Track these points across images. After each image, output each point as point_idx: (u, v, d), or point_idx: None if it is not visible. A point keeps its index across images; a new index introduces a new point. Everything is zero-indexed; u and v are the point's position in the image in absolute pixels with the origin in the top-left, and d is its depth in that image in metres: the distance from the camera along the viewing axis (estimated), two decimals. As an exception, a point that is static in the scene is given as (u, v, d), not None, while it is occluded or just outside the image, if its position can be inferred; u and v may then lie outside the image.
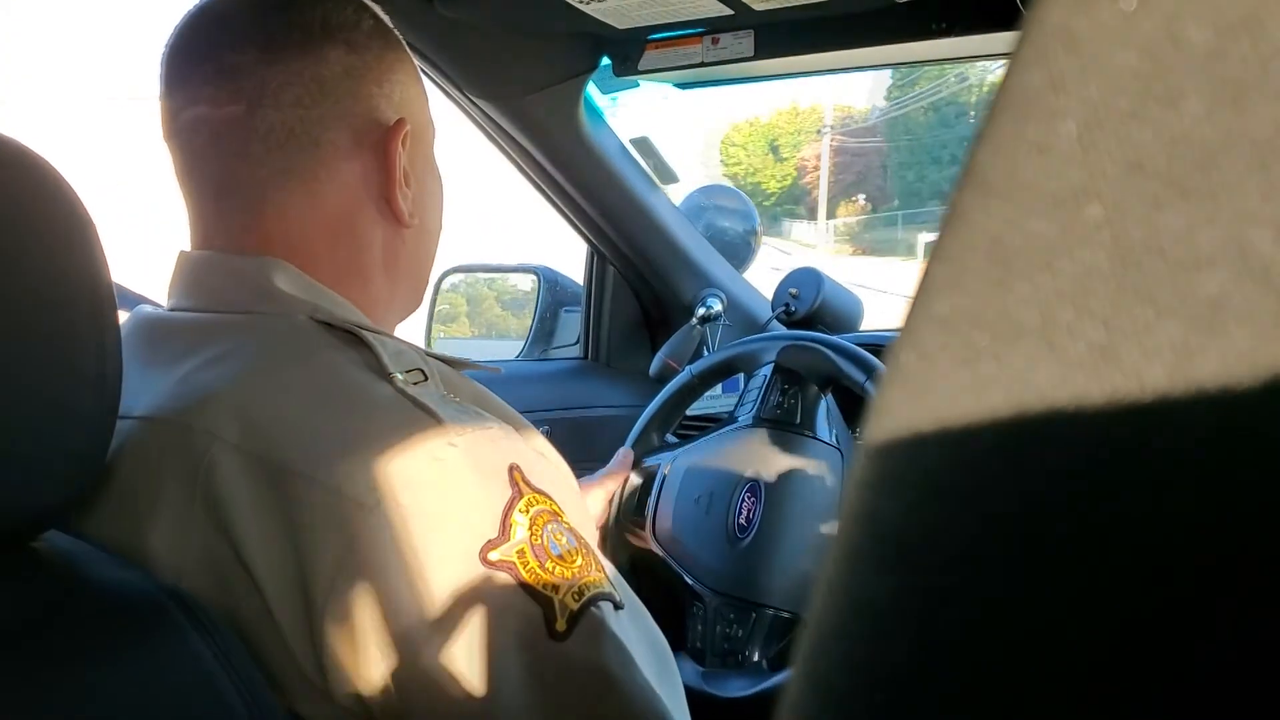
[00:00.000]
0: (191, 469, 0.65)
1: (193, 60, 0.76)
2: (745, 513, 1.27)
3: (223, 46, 0.75)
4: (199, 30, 0.76)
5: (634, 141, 1.72)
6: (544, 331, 2.05)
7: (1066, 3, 0.19)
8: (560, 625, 0.62)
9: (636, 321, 1.93)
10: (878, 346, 1.36)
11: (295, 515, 0.62)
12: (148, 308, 0.79)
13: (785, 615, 1.23)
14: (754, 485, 1.28)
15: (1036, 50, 0.19)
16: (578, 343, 1.99)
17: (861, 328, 1.72)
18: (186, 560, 0.64)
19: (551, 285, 2.05)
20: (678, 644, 1.28)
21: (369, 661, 0.61)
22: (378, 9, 0.82)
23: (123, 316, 0.65)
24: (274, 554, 0.62)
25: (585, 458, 1.33)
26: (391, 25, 0.83)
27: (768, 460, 1.30)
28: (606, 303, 1.92)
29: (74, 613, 0.58)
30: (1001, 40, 1.18)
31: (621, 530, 1.40)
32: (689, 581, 1.29)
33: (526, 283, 2.12)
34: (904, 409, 0.18)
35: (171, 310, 0.77)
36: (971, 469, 0.17)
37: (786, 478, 1.28)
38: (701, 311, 1.75)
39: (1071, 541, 0.16)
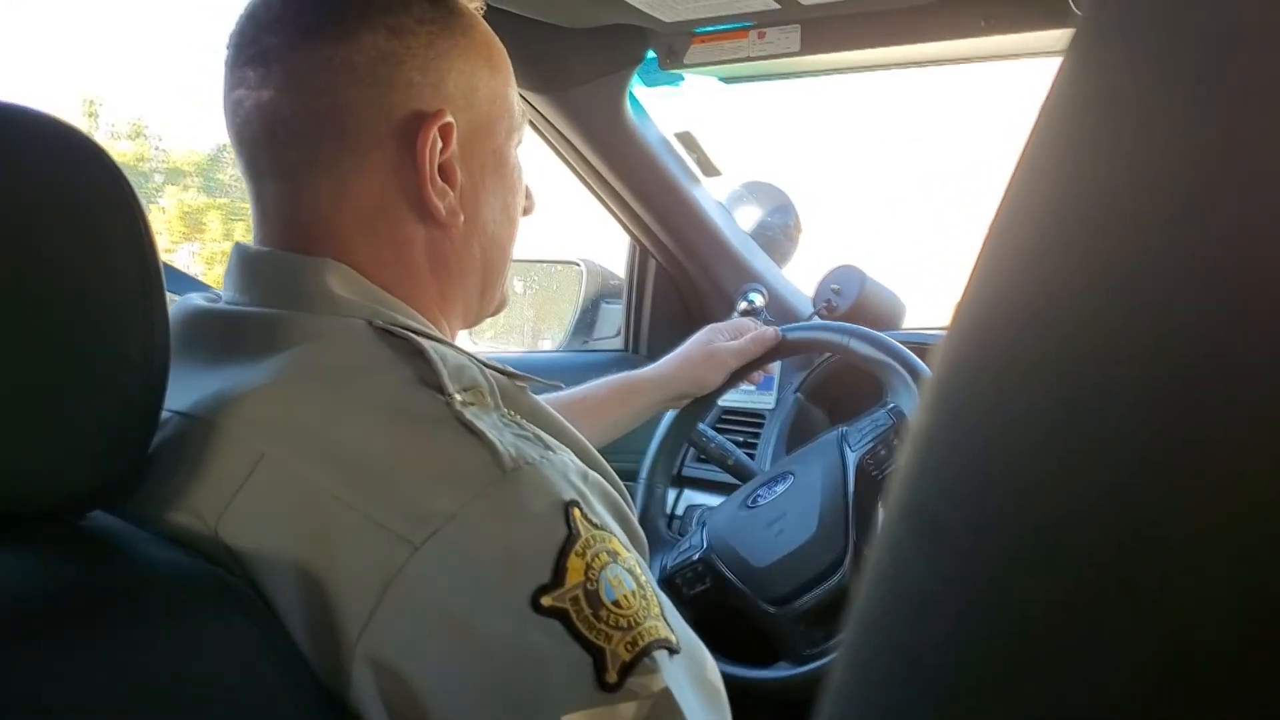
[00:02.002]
0: (227, 476, 0.63)
1: (242, 42, 0.75)
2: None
3: (265, 29, 0.74)
4: (253, 12, 0.75)
5: (677, 135, 1.72)
6: (585, 323, 2.05)
7: None
8: (611, 676, 0.58)
9: (678, 314, 1.93)
10: (921, 345, 1.35)
11: (330, 541, 0.60)
12: (196, 298, 0.78)
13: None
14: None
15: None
16: (618, 334, 1.99)
17: (903, 326, 1.71)
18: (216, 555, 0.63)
19: (594, 277, 2.05)
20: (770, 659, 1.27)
21: (405, 704, 0.58)
22: None
23: (171, 300, 0.65)
24: (298, 580, 0.60)
25: (626, 449, 1.33)
26: (467, 10, 0.78)
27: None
28: (648, 295, 1.92)
29: (117, 590, 0.59)
30: (1050, 38, 1.16)
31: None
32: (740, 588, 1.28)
33: (561, 275, 2.13)
34: (947, 402, 0.18)
35: (224, 304, 0.75)
36: (1015, 461, 0.17)
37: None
38: (743, 305, 1.75)
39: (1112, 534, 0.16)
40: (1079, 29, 0.20)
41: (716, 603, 1.30)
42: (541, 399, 1.19)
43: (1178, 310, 0.16)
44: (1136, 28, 0.19)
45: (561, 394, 1.25)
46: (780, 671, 1.22)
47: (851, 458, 1.24)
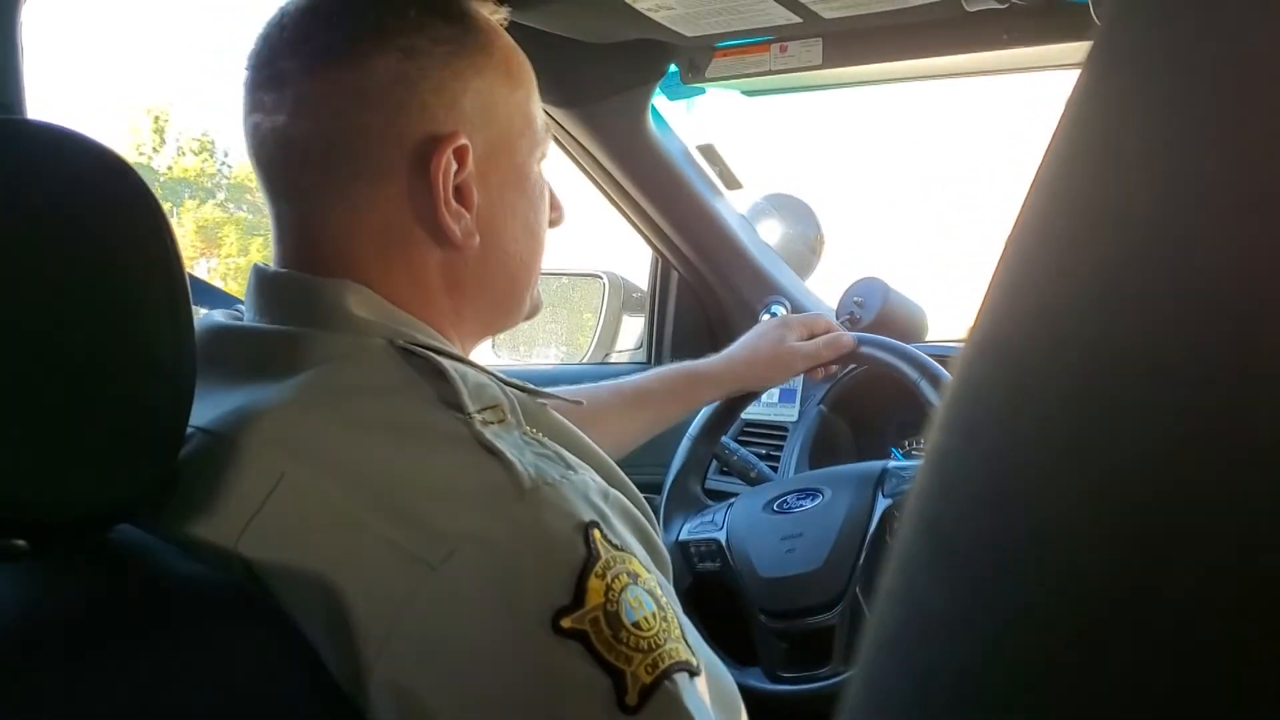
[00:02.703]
0: (249, 494, 0.63)
1: (258, 64, 0.75)
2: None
3: (279, 53, 0.74)
4: (268, 34, 0.75)
5: (700, 148, 1.72)
6: (608, 335, 2.05)
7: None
8: (631, 699, 0.58)
9: (700, 327, 1.93)
10: (943, 357, 1.34)
11: (349, 561, 0.60)
12: (219, 316, 0.78)
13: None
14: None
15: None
16: (641, 347, 1.99)
17: (926, 338, 1.71)
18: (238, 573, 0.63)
19: (616, 289, 2.05)
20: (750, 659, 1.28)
21: None
22: (478, 9, 0.78)
23: (197, 313, 0.66)
24: (318, 599, 0.60)
25: (650, 461, 1.33)
26: (487, 26, 0.78)
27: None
28: (670, 307, 1.92)
29: (143, 602, 0.60)
30: (1071, 50, 1.16)
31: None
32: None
33: (584, 287, 2.13)
34: (962, 419, 0.19)
35: (246, 322, 0.75)
36: (1029, 480, 0.17)
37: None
38: (765, 318, 1.75)
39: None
40: (1094, 47, 0.20)
41: (719, 583, 1.30)
42: (609, 385, 1.20)
43: (1190, 329, 0.16)
44: (1153, 47, 0.19)
45: (619, 382, 1.24)
46: (752, 680, 1.22)
47: (881, 504, 1.21)
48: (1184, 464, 0.16)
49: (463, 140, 0.73)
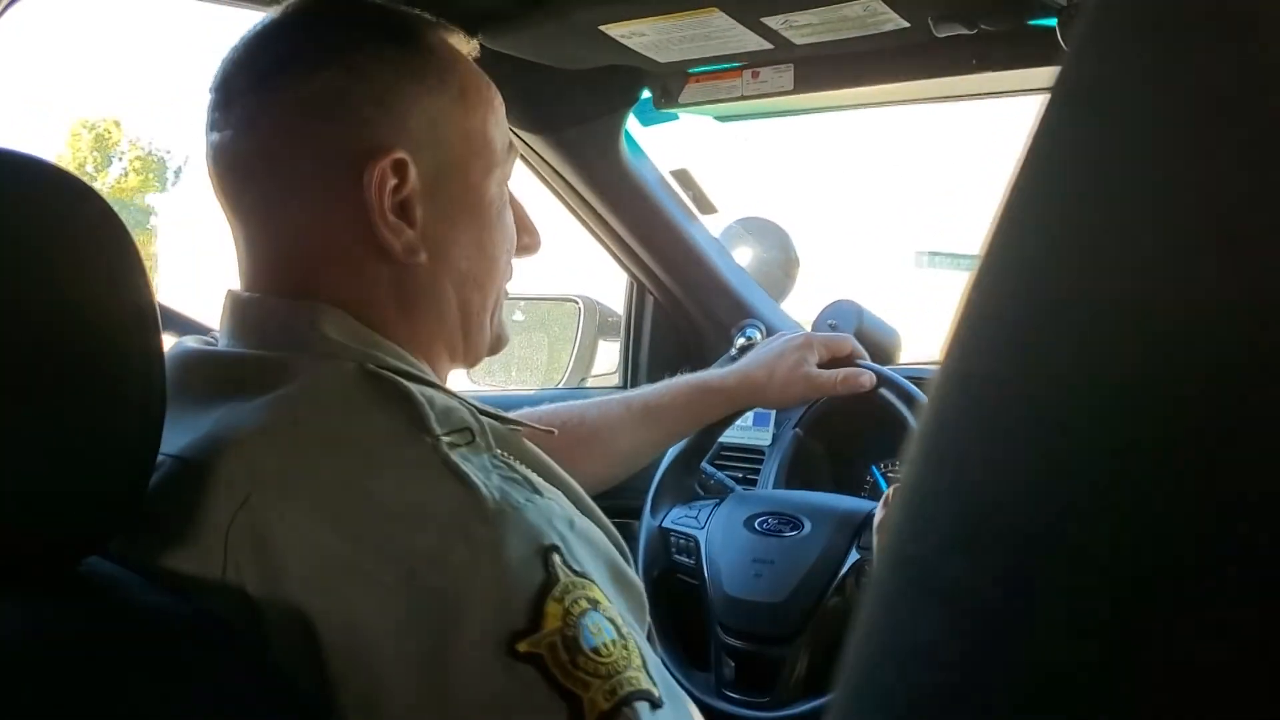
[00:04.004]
0: (217, 519, 0.63)
1: (215, 85, 0.76)
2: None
3: (232, 73, 0.75)
4: (227, 56, 0.77)
5: (673, 173, 1.73)
6: (583, 359, 2.05)
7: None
8: None
9: (676, 350, 1.93)
10: (918, 379, 1.34)
11: (312, 581, 0.60)
12: (190, 342, 0.78)
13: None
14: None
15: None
16: (616, 371, 1.99)
17: (899, 360, 1.71)
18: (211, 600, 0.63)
19: (591, 314, 2.05)
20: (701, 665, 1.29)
21: None
22: (441, 30, 0.79)
23: (168, 342, 0.65)
24: (288, 619, 0.60)
25: (624, 486, 1.32)
26: (445, 52, 0.78)
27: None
28: (646, 332, 1.92)
29: (114, 635, 0.59)
30: (1040, 75, 1.17)
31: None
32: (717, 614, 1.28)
33: (559, 311, 2.13)
34: (934, 452, 0.19)
35: (219, 347, 0.76)
36: (1004, 512, 0.18)
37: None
38: (741, 341, 1.75)
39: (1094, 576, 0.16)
40: (1056, 85, 0.20)
41: (688, 580, 1.33)
42: (618, 398, 1.20)
43: (1156, 368, 0.17)
44: (1114, 91, 0.19)
45: (627, 395, 1.23)
46: (698, 689, 1.24)
47: (854, 556, 1.20)
48: (1156, 499, 0.16)
49: (401, 154, 0.73)
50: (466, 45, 0.81)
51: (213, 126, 0.75)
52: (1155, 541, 0.16)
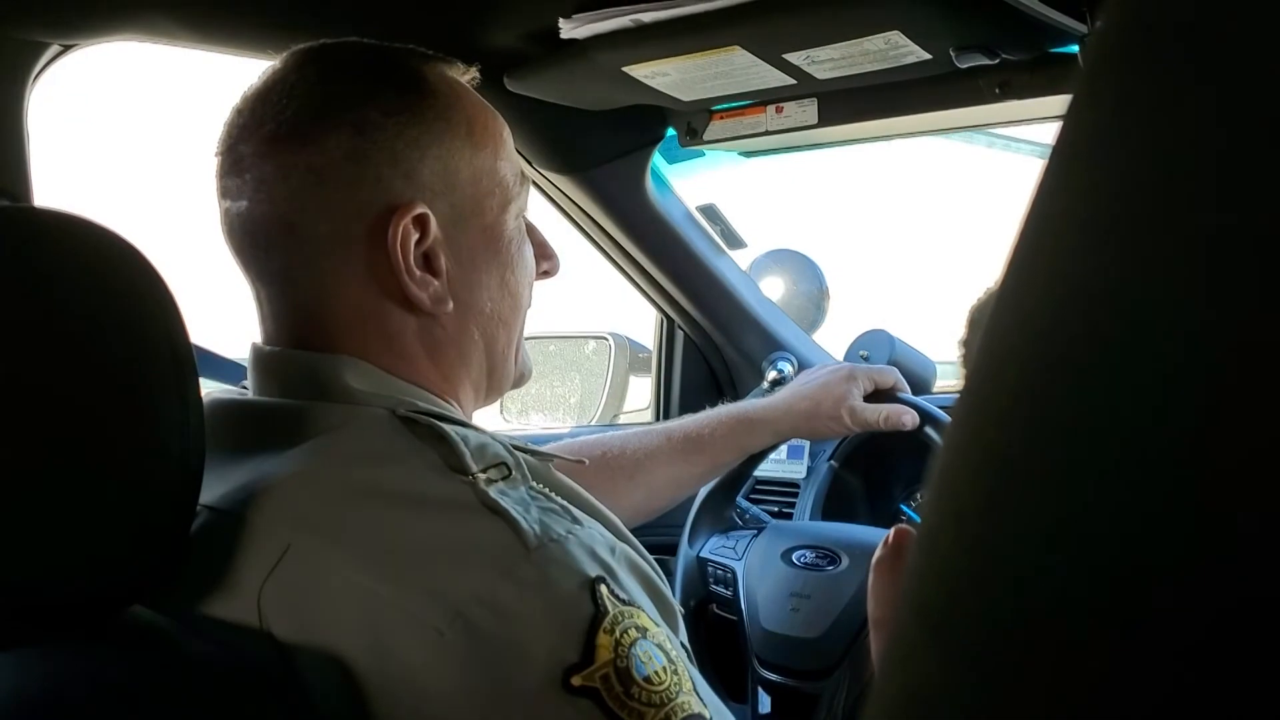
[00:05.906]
0: (257, 567, 0.63)
1: (223, 150, 0.76)
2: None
3: (238, 138, 0.75)
4: (231, 120, 0.76)
5: (700, 208, 1.73)
6: (615, 396, 2.06)
7: None
8: None
9: (707, 385, 1.93)
10: (951, 408, 1.33)
11: (359, 629, 0.60)
12: (220, 393, 0.79)
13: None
14: None
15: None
16: (648, 407, 1.99)
17: (935, 389, 1.70)
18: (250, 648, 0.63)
19: (622, 350, 2.06)
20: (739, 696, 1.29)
21: None
22: (440, 65, 0.78)
23: (205, 386, 0.66)
24: (332, 667, 0.60)
25: (661, 521, 1.32)
26: (446, 89, 0.77)
27: None
28: (677, 367, 1.93)
29: (156, 684, 0.60)
30: (1065, 102, 1.17)
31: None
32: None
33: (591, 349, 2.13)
34: (949, 502, 0.19)
35: (250, 397, 0.77)
36: (1015, 562, 0.18)
37: None
38: (772, 375, 1.75)
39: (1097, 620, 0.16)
40: (1068, 116, 0.20)
41: (726, 608, 1.33)
42: (659, 429, 1.20)
43: (1171, 417, 0.17)
44: (1127, 118, 0.19)
45: (668, 425, 1.21)
46: None
47: None
48: (1163, 540, 0.16)
49: (421, 209, 0.73)
50: (465, 74, 0.81)
51: (225, 194, 0.75)
52: (1158, 592, 0.17)
